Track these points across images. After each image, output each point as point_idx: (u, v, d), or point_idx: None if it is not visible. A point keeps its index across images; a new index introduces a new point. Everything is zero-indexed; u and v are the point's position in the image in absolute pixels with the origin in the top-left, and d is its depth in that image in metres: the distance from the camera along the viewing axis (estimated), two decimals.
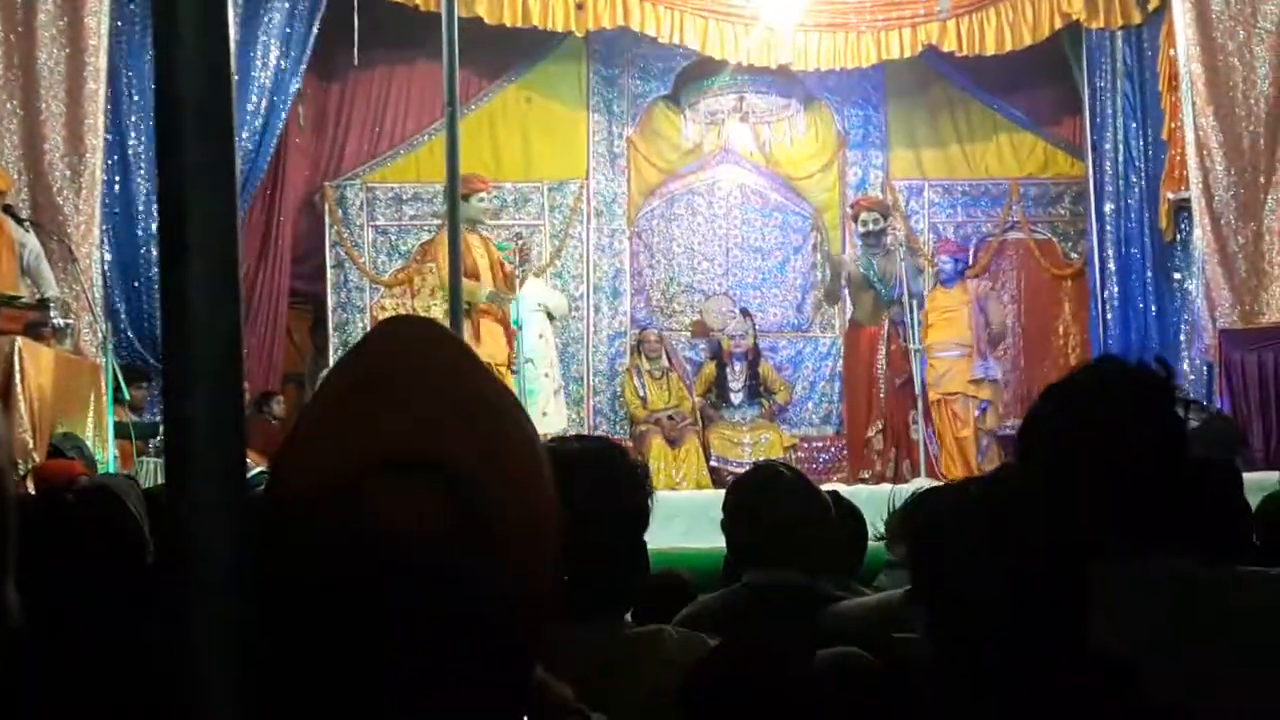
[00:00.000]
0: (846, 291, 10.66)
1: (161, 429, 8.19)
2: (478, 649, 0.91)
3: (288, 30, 10.09)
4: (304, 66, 10.27)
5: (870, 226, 10.21)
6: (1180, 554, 1.78)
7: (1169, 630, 1.68)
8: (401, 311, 11.05)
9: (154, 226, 9.31)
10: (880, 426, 10.17)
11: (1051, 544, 1.52)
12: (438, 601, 0.89)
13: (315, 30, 10.15)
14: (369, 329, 1.08)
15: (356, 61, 10.35)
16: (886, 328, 10.09)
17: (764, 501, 2.80)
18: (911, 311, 9.85)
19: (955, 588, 1.54)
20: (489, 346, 8.85)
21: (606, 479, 1.99)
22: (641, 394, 10.77)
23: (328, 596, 0.89)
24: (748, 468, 8.17)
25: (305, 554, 0.89)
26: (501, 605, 0.92)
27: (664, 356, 10.87)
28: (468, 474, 0.90)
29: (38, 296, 7.44)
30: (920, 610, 1.59)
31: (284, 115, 10.29)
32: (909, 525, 1.68)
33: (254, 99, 10.00)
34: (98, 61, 8.57)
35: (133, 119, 9.45)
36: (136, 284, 9.41)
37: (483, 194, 9.48)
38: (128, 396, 8.14)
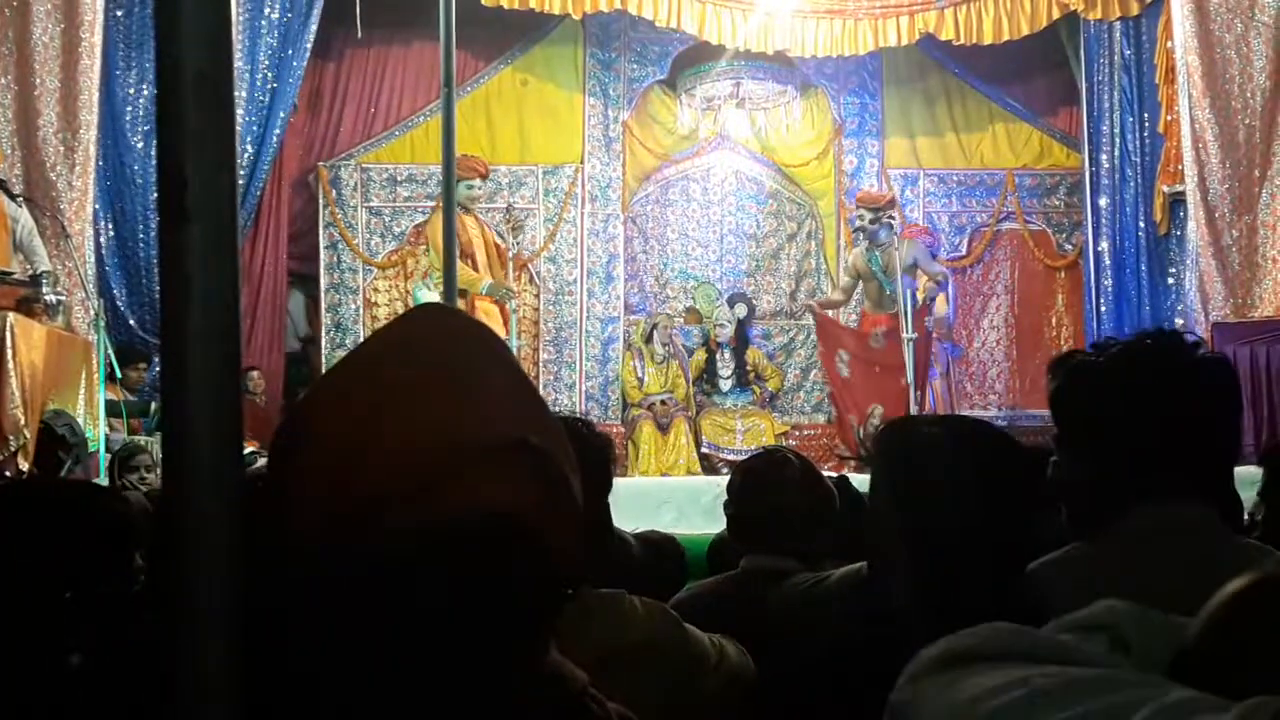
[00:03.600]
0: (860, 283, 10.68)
1: (154, 406, 8.15)
2: (502, 625, 0.91)
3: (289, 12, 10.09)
4: (308, 47, 10.25)
5: (862, 223, 10.26)
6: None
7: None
8: (394, 293, 11.08)
9: (151, 202, 9.30)
10: (875, 415, 10.17)
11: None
12: (529, 577, 0.89)
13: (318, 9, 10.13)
14: (400, 320, 1.05)
15: (360, 34, 10.28)
16: (890, 320, 10.11)
17: (770, 487, 2.79)
18: (905, 300, 9.85)
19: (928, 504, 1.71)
20: None
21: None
22: (639, 375, 10.78)
23: (424, 580, 0.88)
24: (744, 454, 8.21)
25: (401, 539, 0.88)
26: (554, 582, 0.93)
27: (672, 344, 10.92)
28: (546, 454, 0.91)
29: (30, 272, 7.41)
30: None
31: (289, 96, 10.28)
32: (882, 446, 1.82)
33: (258, 78, 10.00)
34: (93, 37, 8.54)
35: (129, 95, 9.43)
36: (133, 262, 9.39)
37: (473, 182, 9.49)
38: (119, 374, 8.12)
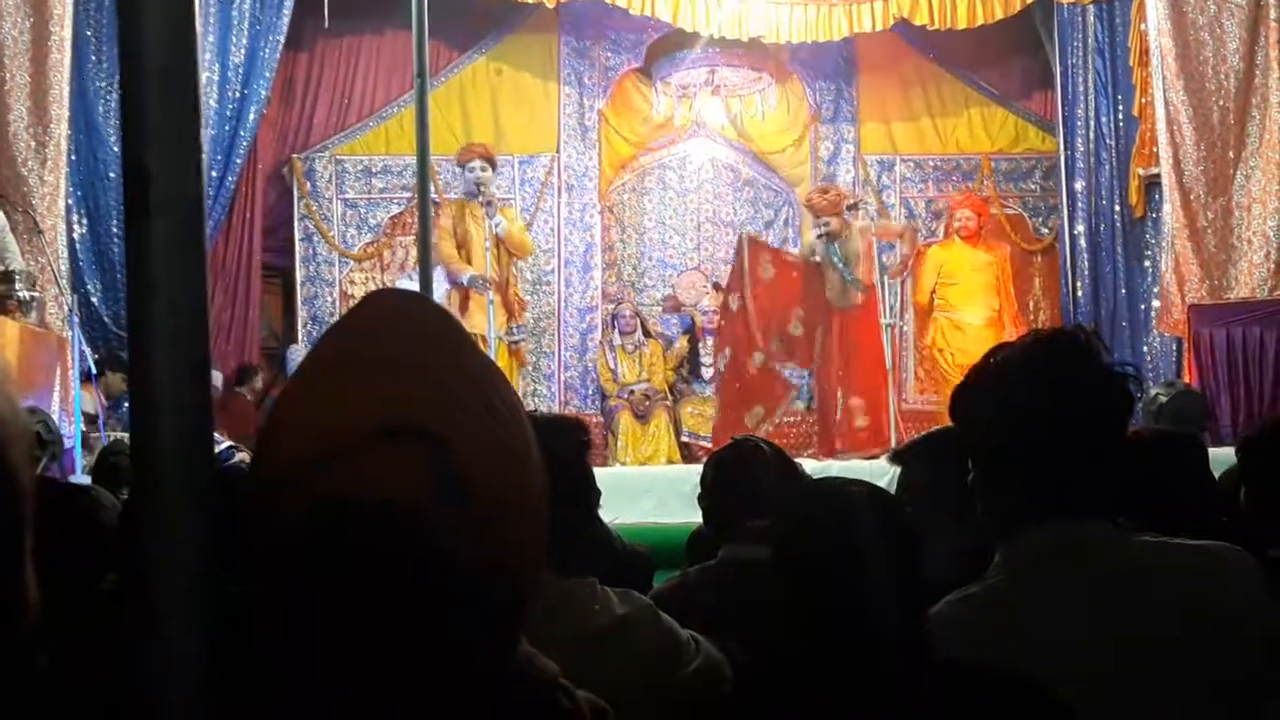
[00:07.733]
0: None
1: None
2: (457, 616, 0.91)
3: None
4: (281, 38, 10.20)
5: (823, 229, 10.23)
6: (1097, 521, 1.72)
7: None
8: (371, 285, 11.03)
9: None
10: (849, 404, 10.17)
11: None
12: (418, 566, 0.88)
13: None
14: (356, 302, 1.06)
15: (327, 24, 10.22)
16: (857, 309, 10.08)
17: (743, 477, 2.79)
18: (883, 286, 9.83)
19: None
20: (475, 320, 8.77)
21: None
22: (613, 367, 10.75)
23: (313, 559, 0.88)
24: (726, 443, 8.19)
25: (293, 518, 0.89)
26: (481, 573, 0.91)
27: (639, 330, 10.83)
28: (450, 443, 0.90)
29: (2, 269, 7.36)
30: None
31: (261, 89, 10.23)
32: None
33: (230, 71, 9.96)
34: (62, 31, 8.47)
35: (101, 89, 9.37)
36: (106, 258, 9.34)
37: (473, 164, 9.38)
38: (94, 370, 8.07)
